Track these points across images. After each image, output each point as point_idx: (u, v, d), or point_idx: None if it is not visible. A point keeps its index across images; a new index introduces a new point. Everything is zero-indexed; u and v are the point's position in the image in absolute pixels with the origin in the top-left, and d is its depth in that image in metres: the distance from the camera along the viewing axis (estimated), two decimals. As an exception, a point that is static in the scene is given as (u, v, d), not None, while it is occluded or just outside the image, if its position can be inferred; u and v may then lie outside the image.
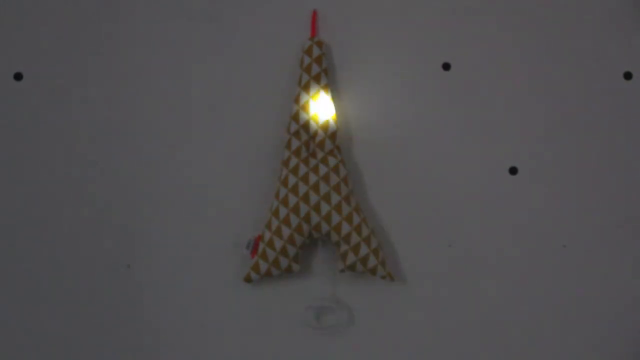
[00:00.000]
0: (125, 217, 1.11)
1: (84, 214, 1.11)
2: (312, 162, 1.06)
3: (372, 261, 1.06)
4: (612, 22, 1.12)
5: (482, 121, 1.12)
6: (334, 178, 1.06)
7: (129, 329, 1.11)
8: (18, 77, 1.12)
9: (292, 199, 1.05)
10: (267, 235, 1.06)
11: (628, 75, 1.12)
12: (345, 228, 1.05)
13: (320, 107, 1.07)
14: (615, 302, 1.11)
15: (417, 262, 1.12)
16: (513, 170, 1.12)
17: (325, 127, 1.07)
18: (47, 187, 1.11)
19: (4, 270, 1.11)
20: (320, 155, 1.07)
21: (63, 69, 1.12)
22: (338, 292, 1.11)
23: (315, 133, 1.07)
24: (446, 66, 1.12)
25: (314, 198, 1.05)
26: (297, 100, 1.08)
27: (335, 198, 1.05)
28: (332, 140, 1.07)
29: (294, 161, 1.06)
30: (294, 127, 1.07)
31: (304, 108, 1.07)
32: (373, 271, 1.06)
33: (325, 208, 1.05)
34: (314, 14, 1.11)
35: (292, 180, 1.06)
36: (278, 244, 1.05)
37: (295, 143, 1.07)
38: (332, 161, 1.07)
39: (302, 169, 1.06)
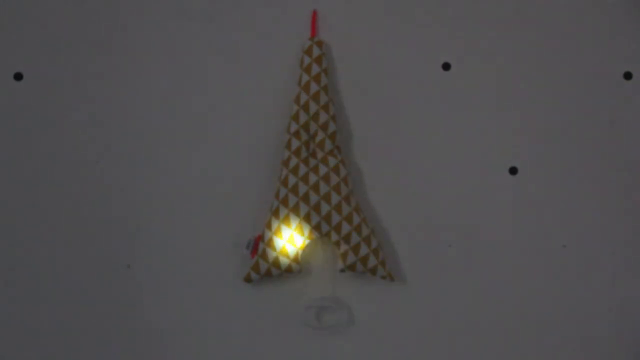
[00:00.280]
0: (125, 217, 1.11)
1: (84, 214, 1.11)
2: (312, 162, 1.06)
3: (372, 261, 1.06)
4: (612, 22, 1.12)
5: (482, 121, 1.12)
6: (334, 178, 1.06)
7: (129, 329, 1.11)
8: (18, 77, 1.12)
9: (292, 199, 1.05)
10: (267, 235, 1.06)
11: (628, 75, 1.12)
12: (345, 228, 1.05)
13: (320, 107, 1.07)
14: (615, 302, 1.11)
15: (417, 262, 1.12)
16: (513, 170, 1.12)
17: (325, 127, 1.07)
18: (47, 187, 1.11)
19: (4, 270, 1.11)
20: (320, 155, 1.07)
21: (63, 69, 1.12)
22: (338, 292, 1.11)
23: (315, 133, 1.07)
24: (446, 66, 1.12)
25: (314, 198, 1.05)
26: (297, 100, 1.08)
27: (335, 198, 1.05)
28: (332, 140, 1.07)
29: (294, 161, 1.06)
30: (294, 127, 1.07)
31: (304, 108, 1.07)
32: (373, 271, 1.06)
33: (325, 208, 1.05)
34: (314, 14, 1.11)
35: (292, 180, 1.06)
36: (278, 244, 1.05)
37: (295, 143, 1.07)
38: (332, 161, 1.07)
39: (302, 169, 1.06)
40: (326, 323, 1.10)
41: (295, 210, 1.05)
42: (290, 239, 1.05)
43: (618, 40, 1.13)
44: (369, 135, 1.12)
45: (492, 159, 1.12)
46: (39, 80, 1.12)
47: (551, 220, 1.12)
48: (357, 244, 1.05)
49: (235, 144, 1.11)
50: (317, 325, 1.10)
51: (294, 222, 1.05)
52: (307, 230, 1.06)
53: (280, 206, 1.05)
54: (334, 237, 1.06)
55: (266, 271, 1.06)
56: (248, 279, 1.07)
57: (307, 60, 1.08)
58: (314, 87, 1.07)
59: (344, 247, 1.06)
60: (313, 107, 1.07)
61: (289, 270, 1.06)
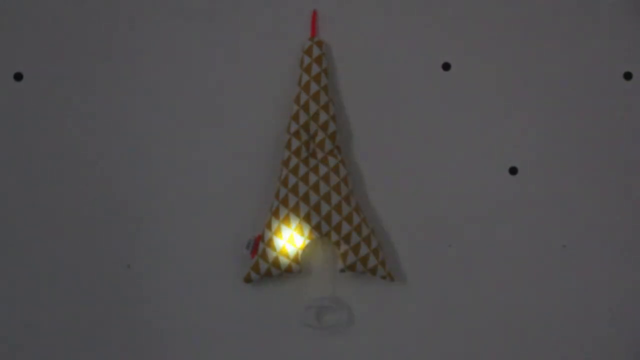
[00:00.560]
0: (125, 217, 1.11)
1: (84, 214, 1.11)
2: (312, 162, 1.06)
3: (372, 261, 1.06)
4: (612, 22, 1.12)
5: (482, 121, 1.12)
6: (334, 178, 1.06)
7: (129, 329, 1.11)
8: (18, 77, 1.12)
9: (292, 199, 1.05)
10: (267, 235, 1.06)
11: (628, 75, 1.12)
12: (345, 228, 1.05)
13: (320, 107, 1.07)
14: (615, 302, 1.11)
15: (417, 262, 1.12)
16: (513, 170, 1.12)
17: (325, 127, 1.07)
18: (47, 187, 1.11)
19: (4, 270, 1.11)
20: (320, 155, 1.07)
21: (63, 69, 1.12)
22: (338, 292, 1.11)
23: (315, 133, 1.07)
24: (446, 66, 1.12)
25: (314, 198, 1.05)
26: (297, 100, 1.08)
27: (335, 198, 1.05)
28: (332, 140, 1.07)
29: (294, 161, 1.06)
30: (294, 127, 1.07)
31: (304, 108, 1.07)
32: (373, 271, 1.06)
33: (325, 208, 1.05)
34: (314, 14, 1.11)
35: (292, 180, 1.06)
36: (278, 244, 1.05)
37: (295, 143, 1.07)
38: (332, 161, 1.07)
39: (302, 169, 1.06)
40: (326, 323, 1.10)
41: (295, 210, 1.05)
42: (290, 239, 1.05)
43: (618, 40, 1.13)
44: (369, 135, 1.12)
45: (492, 159, 1.12)
46: (39, 80, 1.12)
47: (551, 220, 1.12)
48: (357, 244, 1.05)
49: (235, 144, 1.11)
50: (317, 325, 1.10)
51: (294, 222, 1.05)
52: (307, 230, 1.06)
53: (280, 206, 1.05)
54: (334, 237, 1.06)
55: (266, 271, 1.06)
56: (248, 279, 1.07)
57: (307, 60, 1.08)
58: (314, 87, 1.07)
59: (344, 247, 1.06)
60: (313, 107, 1.07)
61: (289, 270, 1.06)
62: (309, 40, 1.09)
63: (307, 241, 1.07)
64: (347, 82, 1.12)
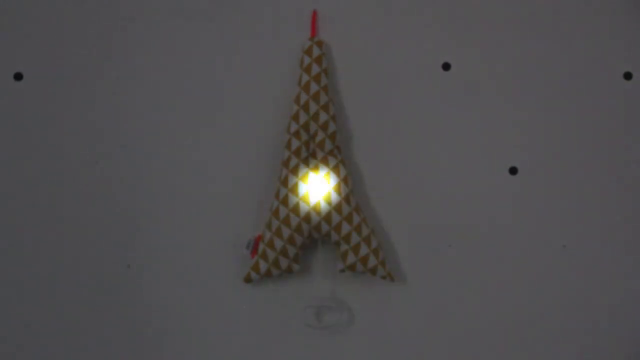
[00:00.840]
0: (125, 217, 1.11)
1: (83, 214, 1.11)
2: (312, 162, 1.06)
3: (372, 261, 1.06)
4: (612, 22, 1.12)
5: (482, 121, 1.12)
6: (334, 178, 1.06)
7: (129, 329, 1.11)
8: (18, 77, 1.12)
9: (292, 199, 1.05)
10: (267, 235, 1.06)
11: (628, 75, 1.12)
12: (345, 228, 1.05)
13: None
14: (615, 302, 1.11)
15: (417, 262, 1.12)
16: (513, 170, 1.12)
17: (325, 127, 1.07)
18: (47, 187, 1.11)
19: (4, 270, 1.11)
20: (320, 155, 1.07)
21: (63, 69, 1.12)
22: (338, 292, 1.11)
23: (315, 133, 1.07)
24: (446, 66, 1.12)
25: (314, 198, 1.05)
26: (297, 100, 1.08)
27: (335, 198, 1.05)
28: (332, 140, 1.07)
29: (294, 161, 1.06)
30: (294, 127, 1.07)
31: (304, 108, 1.07)
32: (373, 271, 1.06)
33: (325, 208, 1.05)
34: (314, 14, 1.11)
35: (292, 180, 1.06)
36: (278, 244, 1.05)
37: (295, 143, 1.07)
38: (332, 161, 1.07)
39: (302, 169, 1.06)
40: (326, 323, 1.10)
41: (295, 210, 1.05)
42: (290, 239, 1.05)
43: (618, 40, 1.13)
44: (369, 135, 1.12)
45: (492, 159, 1.12)
46: (39, 80, 1.12)
47: (551, 220, 1.12)
48: (357, 244, 1.05)
49: (235, 144, 1.11)
50: (317, 325, 1.10)
51: (294, 222, 1.05)
52: (307, 230, 1.06)
53: (280, 206, 1.05)
54: (334, 237, 1.06)
55: (266, 271, 1.06)
56: (248, 279, 1.07)
57: (307, 60, 1.08)
58: (314, 87, 1.07)
59: (344, 247, 1.06)
60: (313, 107, 1.07)
61: (289, 270, 1.06)
62: (309, 40, 1.09)
63: (307, 241, 1.07)
64: (347, 82, 1.12)
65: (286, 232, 1.05)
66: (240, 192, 1.11)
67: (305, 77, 1.08)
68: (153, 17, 1.12)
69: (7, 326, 1.11)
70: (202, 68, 1.12)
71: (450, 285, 1.12)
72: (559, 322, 1.11)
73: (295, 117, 1.07)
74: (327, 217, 1.05)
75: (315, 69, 1.08)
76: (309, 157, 1.07)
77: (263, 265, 1.06)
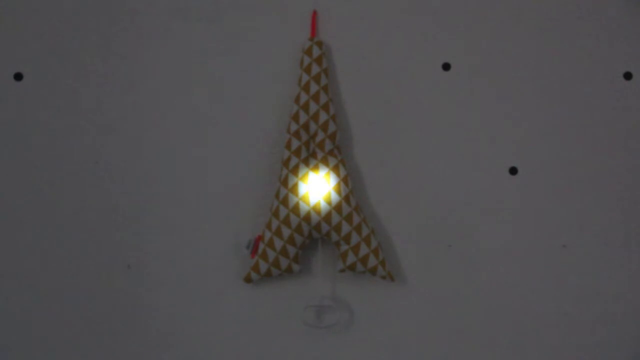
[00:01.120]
0: (125, 217, 1.11)
1: (84, 214, 1.11)
2: (312, 162, 1.06)
3: (372, 261, 1.06)
4: (612, 22, 1.12)
5: (482, 121, 1.12)
6: (334, 178, 1.06)
7: (129, 329, 1.11)
8: (18, 77, 1.12)
9: (292, 199, 1.05)
10: (267, 235, 1.06)
11: (628, 75, 1.12)
12: (345, 228, 1.05)
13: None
14: (615, 302, 1.11)
15: (417, 262, 1.12)
16: (513, 170, 1.12)
17: (325, 127, 1.07)
18: (47, 187, 1.11)
19: (5, 271, 1.11)
20: (320, 155, 1.07)
21: (63, 69, 1.12)
22: (338, 292, 1.11)
23: (315, 133, 1.07)
24: (446, 66, 1.12)
25: (314, 198, 1.05)
26: (297, 100, 1.08)
27: (335, 198, 1.05)
28: (332, 140, 1.07)
29: (294, 161, 1.07)
30: (294, 127, 1.07)
31: (304, 108, 1.07)
32: (373, 271, 1.06)
33: (325, 208, 1.05)
34: (314, 14, 1.11)
35: (292, 180, 1.06)
36: (278, 244, 1.05)
37: (295, 143, 1.07)
38: (332, 161, 1.07)
39: (302, 169, 1.06)
40: (326, 323, 1.10)
41: (295, 210, 1.05)
42: (290, 239, 1.05)
43: (618, 40, 1.13)
44: (369, 135, 1.12)
45: (492, 159, 1.12)
46: (39, 80, 1.12)
47: (551, 220, 1.12)
48: (357, 244, 1.05)
49: (235, 144, 1.11)
50: (317, 325, 1.10)
51: (294, 222, 1.05)
52: (307, 230, 1.06)
53: (280, 206, 1.05)
54: (334, 237, 1.06)
55: (266, 271, 1.06)
56: (248, 279, 1.07)
57: (307, 60, 1.08)
58: (314, 87, 1.07)
59: (344, 247, 1.06)
60: (313, 107, 1.07)
61: (289, 270, 1.06)
62: (309, 41, 1.09)
63: (307, 241, 1.07)
64: (347, 82, 1.12)
65: (286, 232, 1.05)
66: (240, 192, 1.11)
67: (305, 77, 1.08)
68: (153, 17, 1.12)
69: (7, 326, 1.11)
70: (202, 68, 1.12)
71: (450, 285, 1.12)
72: (558, 322, 1.11)
73: (295, 117, 1.07)
74: (327, 217, 1.05)
75: (315, 69, 1.08)
76: (309, 157, 1.07)
77: (263, 265, 1.06)
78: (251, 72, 1.12)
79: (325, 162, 1.06)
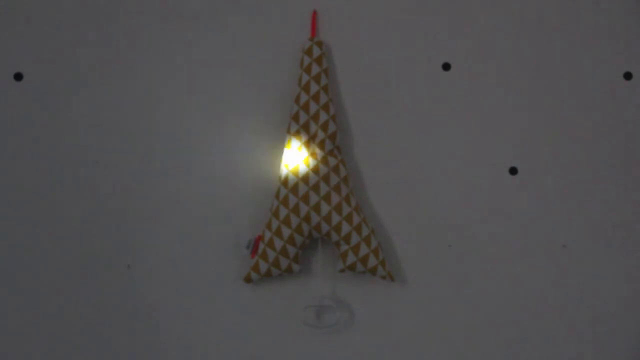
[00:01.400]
0: (125, 217, 1.11)
1: (84, 214, 1.11)
2: (312, 162, 1.06)
3: (372, 261, 1.06)
4: (612, 22, 1.12)
5: (482, 121, 1.12)
6: (334, 178, 1.06)
7: (129, 329, 1.11)
8: (18, 77, 1.12)
9: (292, 199, 1.05)
10: (267, 235, 1.06)
11: (628, 75, 1.12)
12: (345, 228, 1.05)
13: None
14: (615, 302, 1.11)
15: (417, 262, 1.12)
16: (513, 170, 1.12)
17: (325, 127, 1.07)
18: (47, 187, 1.11)
19: (4, 271, 1.11)
20: (320, 155, 1.07)
21: (63, 69, 1.12)
22: (338, 292, 1.11)
23: (315, 133, 1.07)
24: (446, 66, 1.12)
25: (314, 198, 1.05)
26: (297, 100, 1.08)
27: (335, 198, 1.05)
28: (332, 140, 1.07)
29: (294, 161, 1.06)
30: (294, 127, 1.07)
31: (304, 108, 1.07)
32: (373, 271, 1.06)
33: (325, 208, 1.05)
34: (314, 14, 1.11)
35: (292, 180, 1.06)
36: (278, 244, 1.05)
37: (295, 143, 1.07)
38: (332, 161, 1.07)
39: (302, 169, 1.06)
40: (326, 323, 1.10)
41: (295, 210, 1.05)
42: (290, 239, 1.05)
43: (618, 40, 1.13)
44: (369, 135, 1.12)
45: (492, 159, 1.12)
46: (39, 80, 1.12)
47: (551, 220, 1.12)
48: (357, 244, 1.05)
49: (235, 144, 1.11)
50: (317, 325, 1.10)
51: (294, 222, 1.05)
52: (307, 230, 1.06)
53: (280, 206, 1.05)
54: (334, 237, 1.06)
55: (266, 271, 1.06)
56: (248, 279, 1.07)
57: (307, 60, 1.08)
58: (314, 87, 1.07)
59: (344, 247, 1.06)
60: (313, 107, 1.07)
61: (289, 270, 1.06)
62: (309, 41, 1.09)
63: (307, 241, 1.07)
64: (347, 82, 1.12)
65: (286, 232, 1.05)
66: (240, 192, 1.11)
67: (306, 77, 1.08)
68: (153, 17, 1.12)
69: (7, 326, 1.11)
70: (202, 68, 1.12)
71: (450, 285, 1.12)
72: (558, 322, 1.11)
73: (295, 117, 1.07)
74: (327, 217, 1.05)
75: (316, 69, 1.08)
76: (309, 157, 1.07)
77: (263, 265, 1.06)
78: (251, 72, 1.12)
79: (325, 162, 1.06)
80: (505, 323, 1.12)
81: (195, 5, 1.12)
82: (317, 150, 1.07)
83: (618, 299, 1.11)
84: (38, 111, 1.12)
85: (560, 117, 1.12)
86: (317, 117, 1.07)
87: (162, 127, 1.12)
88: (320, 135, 1.07)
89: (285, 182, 1.06)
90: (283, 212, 1.05)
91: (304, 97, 1.07)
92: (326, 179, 1.05)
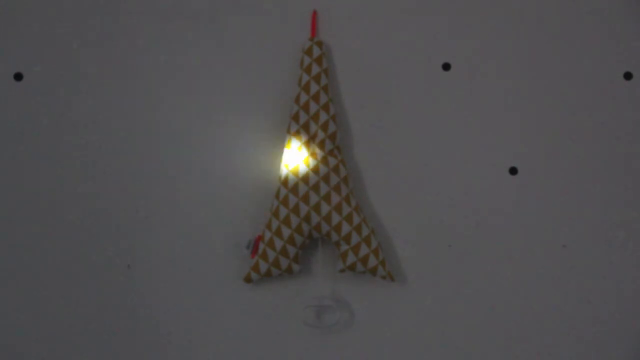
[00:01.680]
0: (125, 217, 1.11)
1: (84, 214, 1.11)
2: (312, 162, 1.06)
3: (372, 261, 1.06)
4: (612, 22, 1.12)
5: (482, 121, 1.12)
6: (334, 178, 1.06)
7: (129, 329, 1.11)
8: (18, 77, 1.12)
9: (292, 199, 1.05)
10: (268, 235, 1.06)
11: (628, 75, 1.12)
12: (345, 228, 1.05)
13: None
14: (615, 302, 1.11)
15: (417, 262, 1.12)
16: (513, 170, 1.12)
17: (325, 127, 1.07)
18: (47, 187, 1.11)
19: (4, 271, 1.11)
20: (320, 155, 1.07)
21: (63, 69, 1.12)
22: (338, 292, 1.11)
23: (315, 133, 1.07)
24: (446, 66, 1.12)
25: (314, 198, 1.05)
26: (297, 100, 1.08)
27: (335, 198, 1.05)
28: (332, 140, 1.07)
29: (294, 161, 1.06)
30: (294, 127, 1.07)
31: (304, 108, 1.07)
32: (373, 271, 1.06)
33: (325, 208, 1.05)
34: (314, 14, 1.11)
35: (292, 180, 1.06)
36: (278, 244, 1.05)
37: (295, 143, 1.07)
38: (332, 161, 1.07)
39: (302, 169, 1.06)
40: (326, 323, 1.11)
41: (295, 210, 1.05)
42: (290, 239, 1.05)
43: (618, 40, 1.13)
44: (369, 135, 1.12)
45: (492, 159, 1.12)
46: (39, 80, 1.12)
47: (551, 220, 1.12)
48: (357, 244, 1.05)
49: (235, 144, 1.11)
50: (317, 325, 1.10)
51: (294, 222, 1.05)
52: (307, 230, 1.06)
53: (280, 206, 1.05)
54: (334, 237, 1.06)
55: (266, 271, 1.06)
56: (248, 279, 1.07)
57: (307, 60, 1.08)
58: (314, 87, 1.07)
59: (344, 247, 1.06)
60: (313, 107, 1.07)
61: (289, 270, 1.06)
62: (309, 41, 1.09)
63: (307, 241, 1.07)
64: (347, 82, 1.12)
65: (286, 232, 1.05)
66: (240, 192, 1.11)
67: (306, 77, 1.08)
68: (153, 17, 1.12)
69: (7, 326, 1.11)
70: (202, 68, 1.12)
71: (450, 285, 1.12)
72: (558, 322, 1.11)
73: (295, 117, 1.07)
74: (327, 217, 1.05)
75: (316, 69, 1.08)
76: (309, 157, 1.07)
77: (263, 265, 1.06)
78: (251, 72, 1.12)
79: (325, 162, 1.06)
80: (505, 323, 1.12)
81: (195, 5, 1.12)
82: (317, 150, 1.07)
83: (618, 299, 1.11)
84: (38, 111, 1.12)
85: (560, 117, 1.12)
86: (317, 117, 1.07)
87: (162, 127, 1.12)
88: (320, 135, 1.07)
89: (285, 182, 1.06)
90: (283, 212, 1.05)
91: (304, 97, 1.07)
92: (326, 179, 1.05)
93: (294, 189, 1.05)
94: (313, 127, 1.07)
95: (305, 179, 1.05)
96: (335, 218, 1.05)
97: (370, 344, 1.12)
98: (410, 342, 1.12)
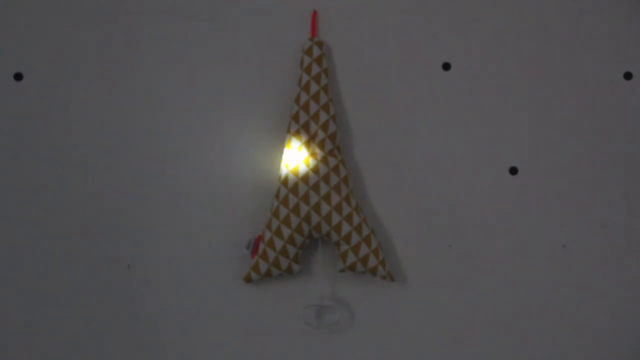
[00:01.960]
0: (125, 217, 1.11)
1: (84, 214, 1.11)
2: (312, 162, 1.06)
3: (372, 261, 1.06)
4: (612, 22, 1.12)
5: (482, 121, 1.12)
6: (334, 178, 1.06)
7: (129, 329, 1.11)
8: (18, 77, 1.12)
9: (292, 199, 1.05)
10: (268, 235, 1.06)
11: (628, 75, 1.12)
12: (345, 228, 1.05)
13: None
14: (615, 302, 1.11)
15: (417, 262, 1.12)
16: (513, 170, 1.12)
17: (325, 127, 1.07)
18: (47, 187, 1.11)
19: (4, 271, 1.11)
20: (320, 155, 1.07)
21: (63, 69, 1.12)
22: (338, 292, 1.11)
23: (315, 133, 1.07)
24: (446, 66, 1.12)
25: (314, 198, 1.05)
26: (297, 100, 1.08)
27: (335, 198, 1.05)
28: (332, 140, 1.07)
29: (294, 161, 1.06)
30: (294, 127, 1.07)
31: (304, 108, 1.07)
32: (373, 271, 1.06)
33: (325, 208, 1.05)
34: (314, 14, 1.11)
35: (292, 180, 1.06)
36: (278, 244, 1.05)
37: (295, 143, 1.07)
38: (332, 161, 1.06)
39: (302, 169, 1.06)
40: (326, 323, 1.10)
41: (295, 210, 1.05)
42: (290, 239, 1.05)
43: (618, 40, 1.13)
44: (369, 135, 1.12)
45: (492, 159, 1.12)
46: (39, 80, 1.12)
47: (551, 220, 1.12)
48: (357, 244, 1.05)
49: (235, 144, 1.11)
50: (317, 325, 1.10)
51: (294, 222, 1.05)
52: (307, 230, 1.06)
53: (280, 206, 1.05)
54: (334, 237, 1.06)
55: (266, 271, 1.06)
56: (248, 279, 1.07)
57: (307, 60, 1.08)
58: (314, 87, 1.07)
59: (344, 247, 1.06)
60: (313, 107, 1.07)
61: (289, 270, 1.06)
62: (309, 41, 1.09)
63: (307, 241, 1.07)
64: (347, 82, 1.12)
65: (286, 232, 1.05)
66: (240, 192, 1.11)
67: (306, 77, 1.08)
68: (153, 17, 1.12)
69: (7, 326, 1.11)
70: (202, 68, 1.12)
71: (450, 285, 1.12)
72: (559, 322, 1.11)
73: (295, 117, 1.07)
74: (327, 217, 1.05)
75: (316, 69, 1.08)
76: (309, 157, 1.07)
77: (263, 265, 1.06)
78: (251, 72, 1.12)
79: (325, 162, 1.06)
80: (505, 323, 1.12)
81: (195, 5, 1.12)
82: (317, 150, 1.07)
83: (618, 299, 1.11)
84: (38, 111, 1.12)
85: (561, 117, 1.12)
86: (317, 117, 1.07)
87: (162, 127, 1.12)
88: (320, 135, 1.07)
89: (285, 182, 1.06)
90: (283, 212, 1.05)
91: (304, 97, 1.07)
92: (326, 179, 1.05)
93: (294, 189, 1.05)
94: (313, 127, 1.07)
95: (305, 178, 1.05)
96: (335, 218, 1.05)
97: (370, 344, 1.12)
98: (410, 342, 1.12)
